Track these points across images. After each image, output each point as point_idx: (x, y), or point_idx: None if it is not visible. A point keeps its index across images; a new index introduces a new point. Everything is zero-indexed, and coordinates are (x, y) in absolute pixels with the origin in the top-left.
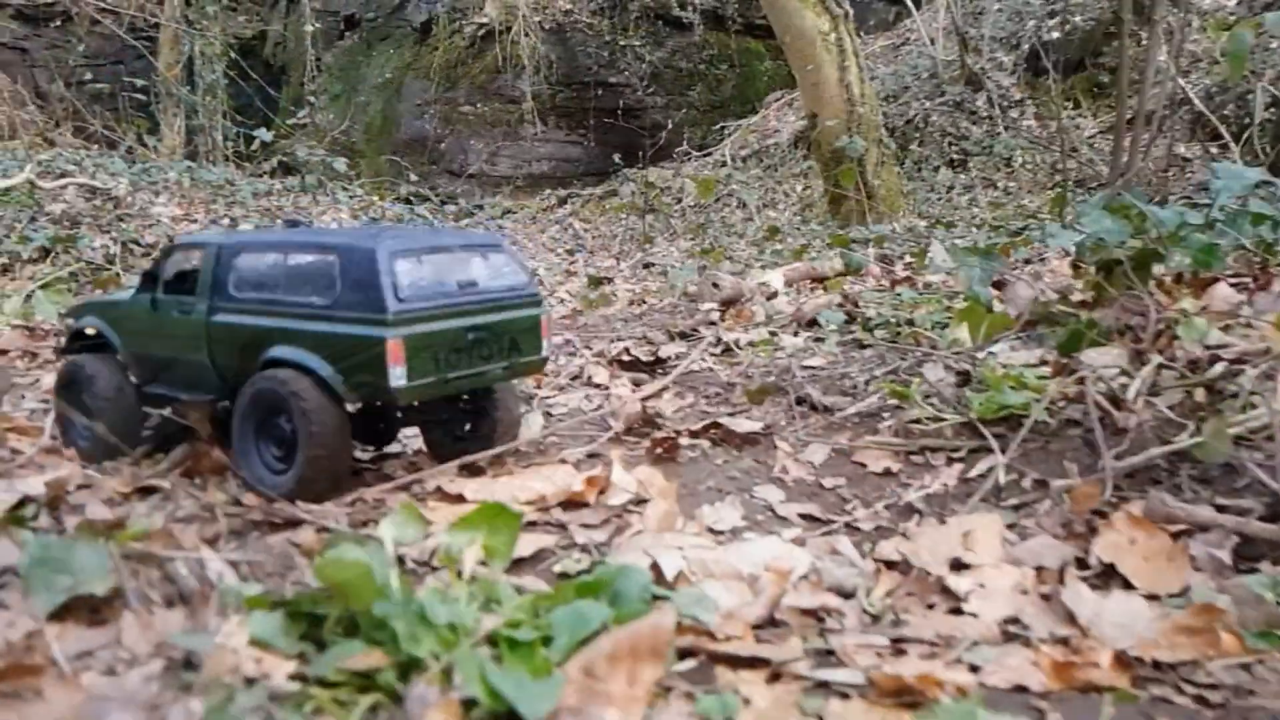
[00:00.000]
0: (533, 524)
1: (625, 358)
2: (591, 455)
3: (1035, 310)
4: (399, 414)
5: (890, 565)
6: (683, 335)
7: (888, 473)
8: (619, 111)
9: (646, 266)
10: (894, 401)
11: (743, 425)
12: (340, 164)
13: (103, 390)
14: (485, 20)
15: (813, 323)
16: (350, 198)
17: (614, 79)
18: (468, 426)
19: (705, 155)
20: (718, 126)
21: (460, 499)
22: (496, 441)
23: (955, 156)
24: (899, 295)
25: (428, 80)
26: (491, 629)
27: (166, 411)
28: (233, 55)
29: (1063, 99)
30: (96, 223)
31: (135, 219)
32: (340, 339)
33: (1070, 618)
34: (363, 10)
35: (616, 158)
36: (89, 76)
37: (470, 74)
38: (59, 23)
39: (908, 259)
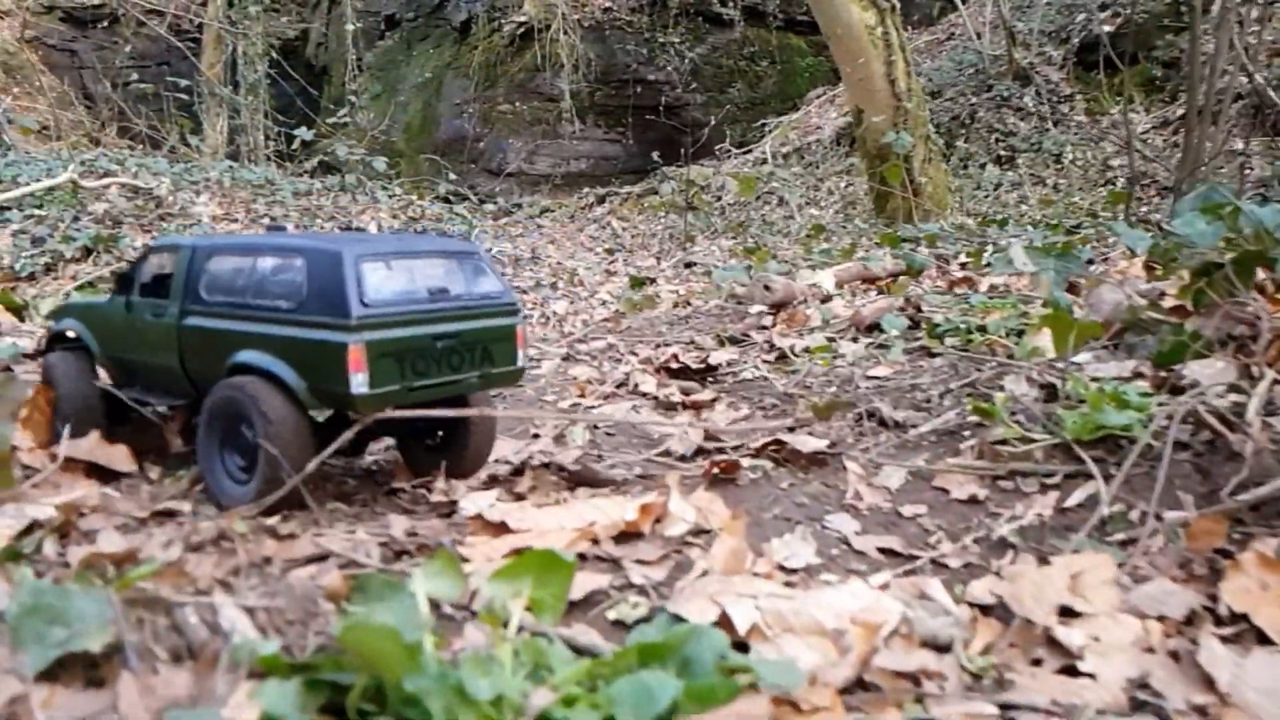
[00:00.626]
0: (581, 557)
1: (674, 364)
2: (643, 476)
3: (1123, 317)
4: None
5: (985, 610)
6: (733, 340)
7: (973, 500)
8: (658, 109)
9: (688, 266)
10: (974, 418)
11: (808, 443)
12: (380, 163)
13: (65, 390)
14: (524, 19)
15: (872, 328)
16: (390, 197)
17: (653, 76)
18: (440, 435)
19: (745, 153)
20: (758, 124)
21: (503, 528)
22: (471, 454)
23: (1002, 153)
24: (967, 299)
25: (467, 79)
26: (542, 708)
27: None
28: (275, 55)
29: (1115, 94)
30: (138, 222)
31: (176, 218)
32: (303, 344)
33: (1207, 682)
34: (403, 10)
35: (655, 156)
36: (135, 77)
37: (509, 73)
38: (106, 24)
39: (962, 259)
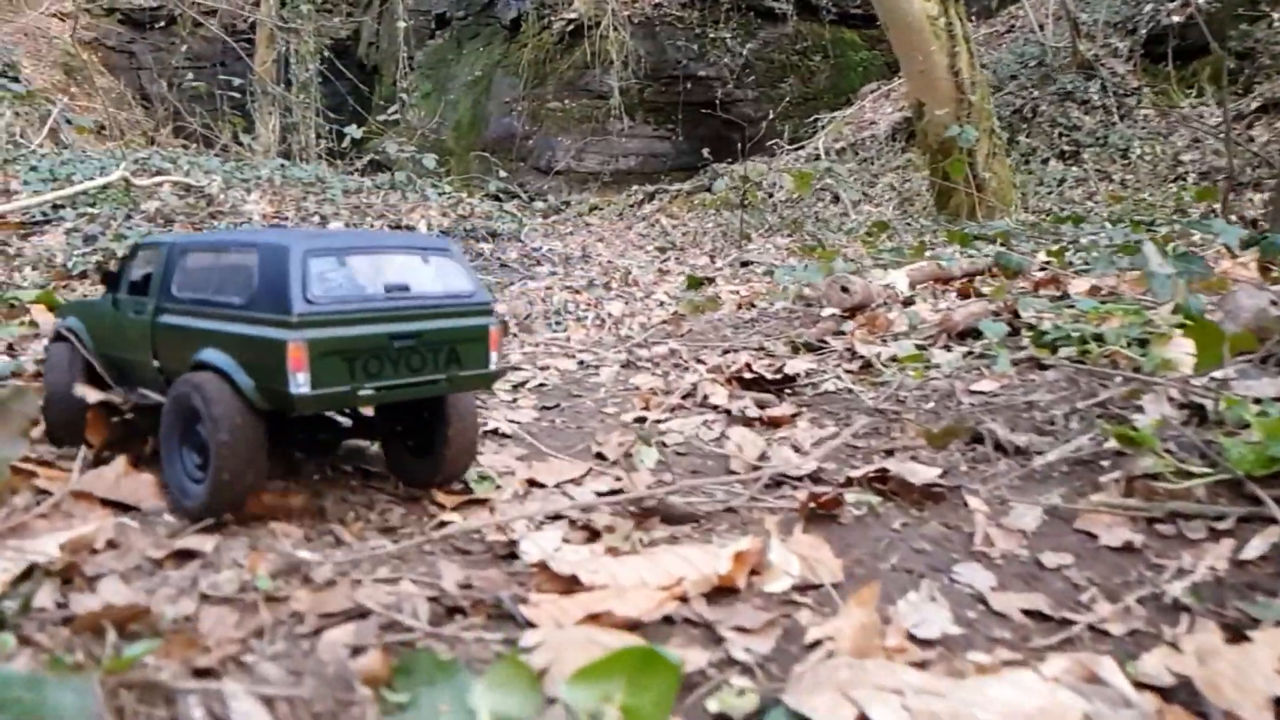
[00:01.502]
0: (668, 621)
1: (746, 374)
2: (729, 509)
3: (1266, 325)
4: (344, 424)
5: (1166, 695)
6: (809, 347)
7: (1128, 548)
8: (708, 105)
9: (745, 265)
10: (1113, 445)
11: (918, 473)
12: (430, 160)
13: (50, 381)
14: (574, 16)
15: (965, 334)
16: (439, 195)
17: (703, 72)
18: (413, 441)
19: (798, 149)
20: (810, 119)
21: (573, 583)
22: (450, 459)
23: (1066, 148)
24: (1070, 302)
25: (516, 77)
26: None
27: None
28: (327, 54)
29: (1185, 86)
30: (190, 220)
31: (227, 216)
32: (251, 341)
33: None
34: (453, 9)
35: (706, 153)
36: (190, 77)
37: (558, 70)
38: (163, 25)
39: (1042, 258)
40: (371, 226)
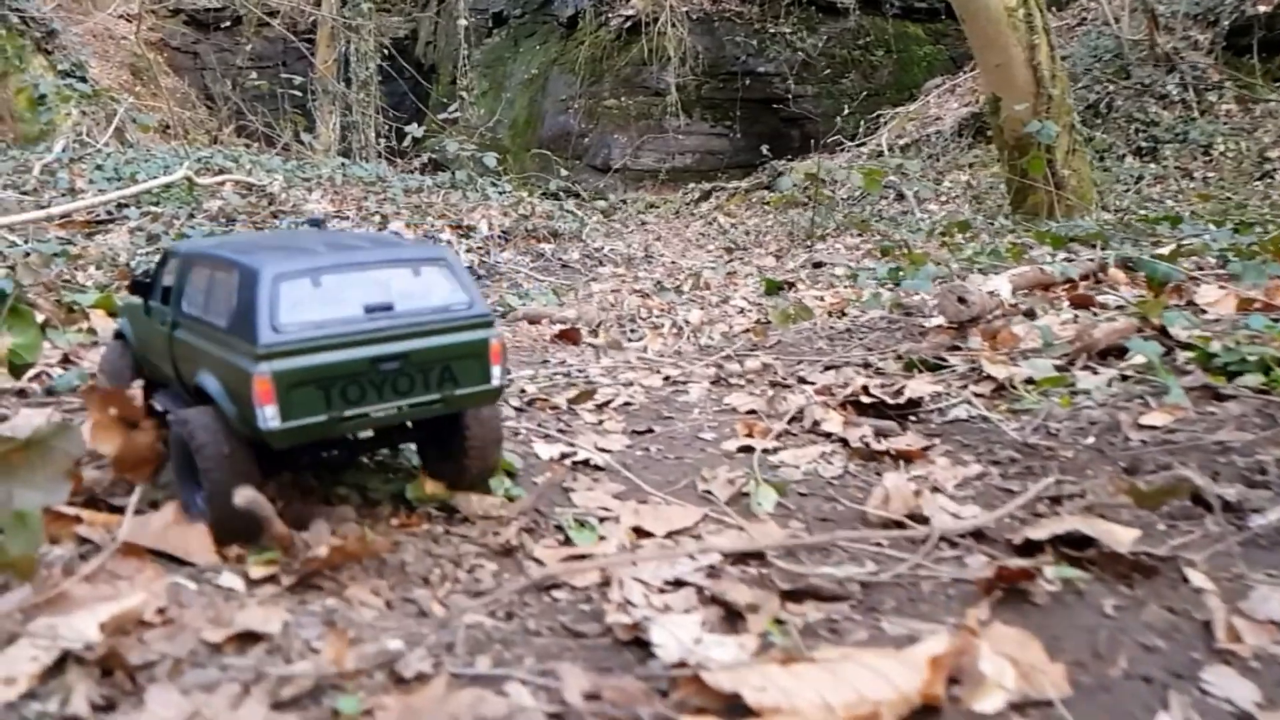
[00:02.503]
0: None
1: (864, 398)
2: (893, 581)
3: None
4: (352, 440)
5: None
6: (926, 365)
7: None
8: (767, 102)
9: (816, 266)
10: None
11: (1116, 537)
12: (491, 159)
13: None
14: (631, 12)
15: (1105, 354)
16: (500, 194)
17: (763, 68)
18: (435, 447)
19: (859, 145)
20: (873, 115)
21: (734, 703)
22: (471, 466)
23: (1143, 144)
24: (1245, 322)
25: (572, 75)
26: None
27: None
28: (387, 51)
29: (1272, 80)
30: (251, 219)
31: (289, 215)
32: (229, 368)
33: None
34: (510, 7)
35: (765, 149)
36: (253, 77)
37: (615, 67)
38: (227, 26)
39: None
40: (432, 226)
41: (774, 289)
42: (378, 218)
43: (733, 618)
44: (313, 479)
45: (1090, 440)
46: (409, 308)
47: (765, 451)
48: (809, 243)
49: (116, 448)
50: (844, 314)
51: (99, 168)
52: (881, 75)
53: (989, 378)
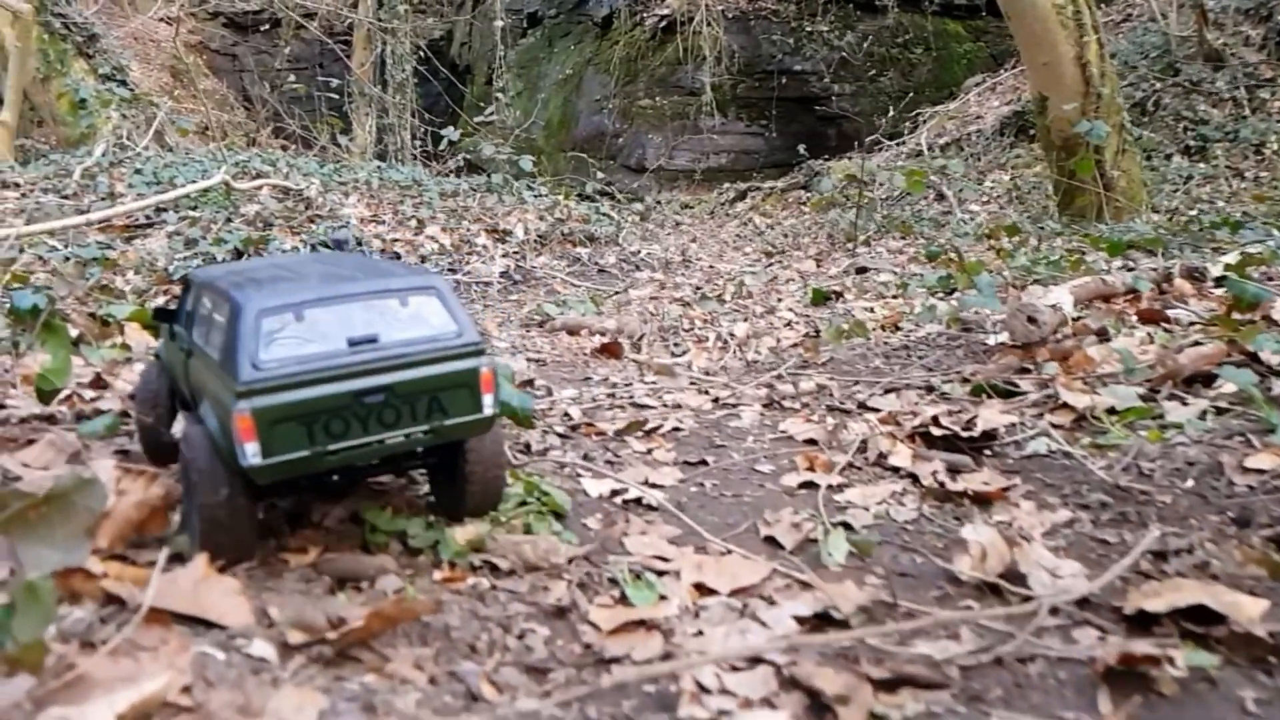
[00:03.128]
0: None
1: (934, 429)
2: (996, 661)
3: None
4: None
5: None
6: (995, 390)
7: None
8: (803, 100)
9: (860, 272)
10: None
11: (1244, 610)
12: (527, 162)
13: (139, 391)
14: (667, 12)
15: (1192, 380)
16: (535, 196)
17: (799, 67)
18: (439, 475)
19: (898, 144)
20: (911, 114)
21: None
22: (471, 495)
23: (1192, 143)
24: None
25: (607, 75)
26: None
27: None
28: (421, 53)
29: None
30: (288, 224)
31: (325, 220)
32: (218, 402)
33: None
34: (545, 8)
35: (801, 149)
36: (291, 79)
37: (650, 67)
38: (266, 28)
39: (1216, 272)
40: (468, 231)
41: (821, 299)
42: (414, 222)
43: (820, 709)
44: (351, 525)
45: (1189, 484)
46: (394, 339)
47: (830, 488)
48: (850, 246)
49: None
50: (897, 327)
51: (138, 171)
52: (920, 73)
53: (1066, 406)
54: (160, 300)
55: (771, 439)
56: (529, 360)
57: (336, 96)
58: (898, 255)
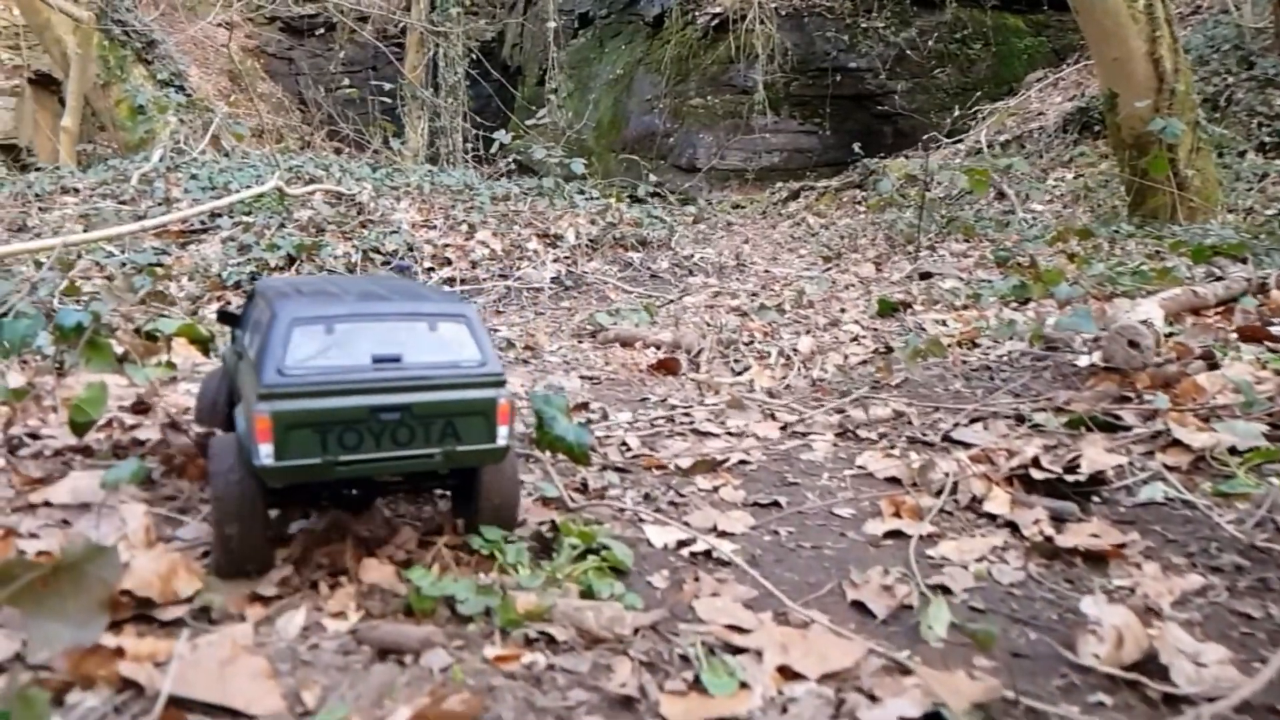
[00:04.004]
0: None
1: (1034, 472)
2: None
3: None
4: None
5: None
6: (1096, 423)
7: None
8: (858, 98)
9: (924, 277)
10: None
11: None
12: (579, 165)
13: (202, 391)
14: (719, 10)
15: None
16: (587, 200)
17: (854, 64)
18: (458, 494)
19: (956, 142)
20: (970, 111)
21: None
22: (485, 518)
23: (1267, 139)
24: None
25: (658, 74)
26: None
27: None
28: (473, 56)
29: None
30: (340, 229)
31: (377, 225)
32: (247, 403)
33: None
34: (596, 8)
35: (856, 147)
36: (345, 83)
37: (701, 66)
38: (321, 32)
39: None
40: (519, 235)
41: (888, 309)
42: (465, 227)
43: None
44: (400, 582)
45: None
46: (417, 361)
47: (921, 539)
48: (911, 249)
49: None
50: (974, 344)
51: (193, 177)
52: (979, 69)
53: (1180, 444)
54: (215, 306)
55: (849, 475)
56: (582, 378)
57: (389, 100)
58: (961, 259)
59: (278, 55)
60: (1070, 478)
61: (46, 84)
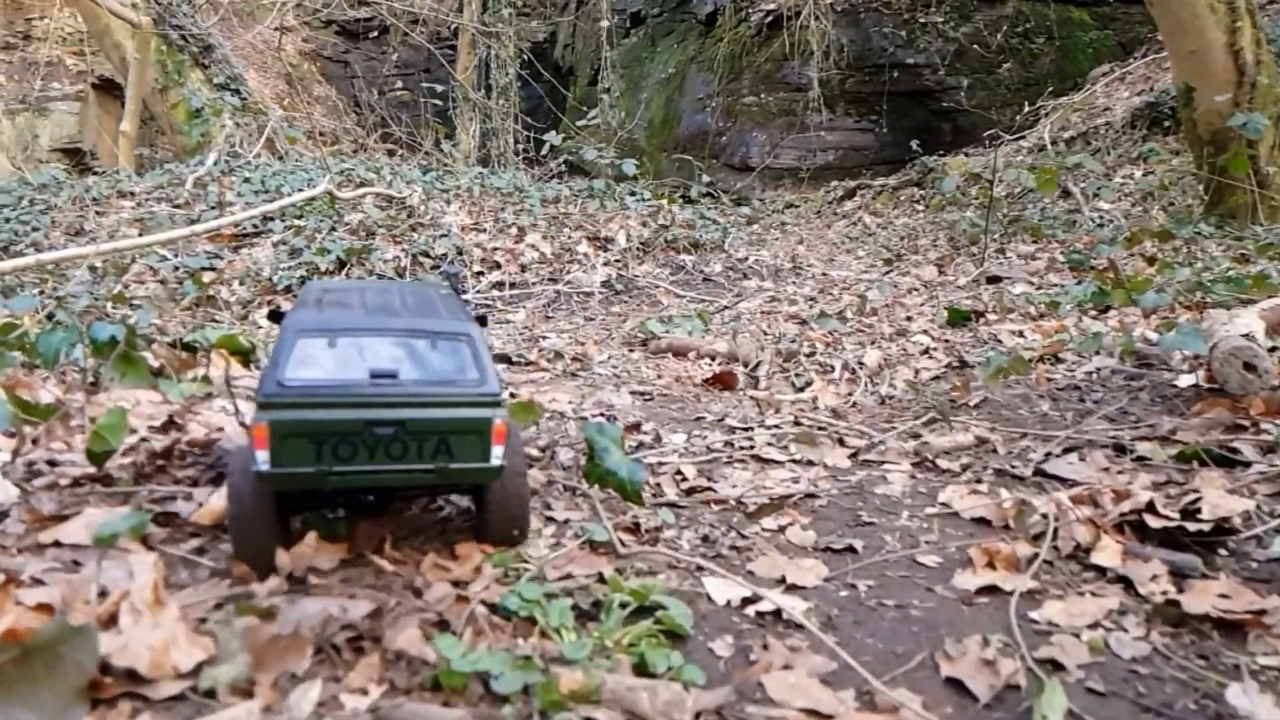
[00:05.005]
0: None
1: (1151, 519)
2: None
3: None
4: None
5: None
6: (1211, 457)
7: None
8: (916, 94)
9: (991, 282)
10: None
11: None
12: (630, 166)
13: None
14: (773, 7)
15: None
16: (638, 201)
17: (912, 59)
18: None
19: (1018, 139)
20: (1033, 107)
21: None
22: (491, 531)
23: None
24: None
25: (710, 73)
26: None
27: None
28: (525, 57)
29: None
30: (390, 233)
31: (427, 229)
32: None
33: None
34: (648, 6)
35: (914, 145)
36: (398, 85)
37: (755, 64)
38: (376, 35)
39: None
40: (569, 238)
41: (959, 319)
42: (514, 230)
43: None
44: (428, 646)
45: None
46: (415, 377)
47: (1021, 597)
48: (975, 250)
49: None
50: (1058, 359)
51: (246, 180)
52: (1042, 64)
53: None
54: (264, 311)
55: (931, 514)
56: (633, 393)
57: (440, 103)
58: (1030, 262)
59: (334, 59)
60: (1189, 525)
61: (110, 89)
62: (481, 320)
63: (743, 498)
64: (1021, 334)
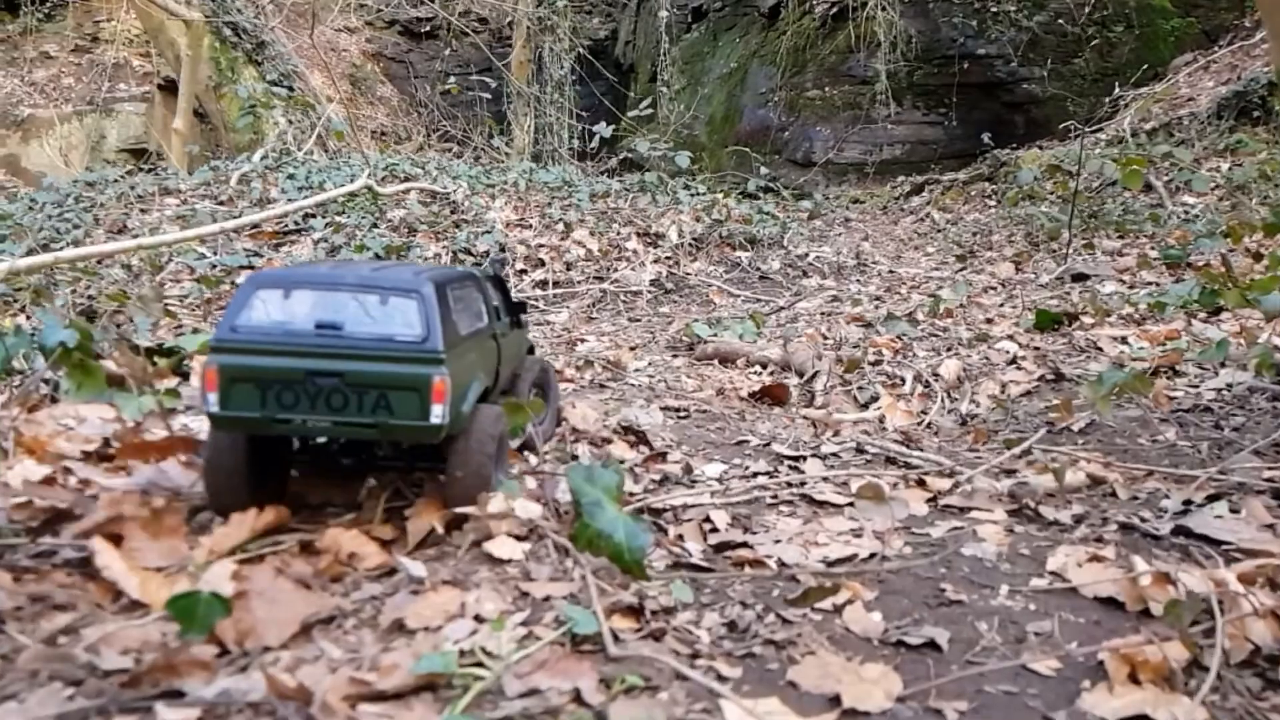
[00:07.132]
0: None
1: None
2: None
3: None
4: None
5: None
6: None
7: None
8: (987, 86)
9: (1077, 279)
10: None
11: None
12: (683, 159)
13: None
14: None
15: None
16: (692, 195)
17: (982, 50)
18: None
19: (1095, 131)
20: (1111, 97)
21: None
22: (451, 494)
23: None
24: None
25: (773, 67)
26: None
27: None
28: (583, 54)
29: None
30: (432, 229)
31: (470, 225)
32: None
33: None
34: (710, 1)
35: (985, 138)
36: (451, 80)
37: (819, 57)
38: (436, 34)
39: None
40: (618, 234)
41: (1049, 322)
42: (560, 226)
43: None
44: None
45: None
46: (358, 331)
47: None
48: (1055, 246)
49: None
50: (1175, 371)
51: (290, 177)
52: (1120, 53)
53: None
54: None
55: (1039, 590)
56: (666, 409)
57: (490, 98)
58: (1117, 258)
59: (395, 58)
60: None
61: (175, 90)
62: (520, 307)
63: (787, 561)
64: (1125, 341)
